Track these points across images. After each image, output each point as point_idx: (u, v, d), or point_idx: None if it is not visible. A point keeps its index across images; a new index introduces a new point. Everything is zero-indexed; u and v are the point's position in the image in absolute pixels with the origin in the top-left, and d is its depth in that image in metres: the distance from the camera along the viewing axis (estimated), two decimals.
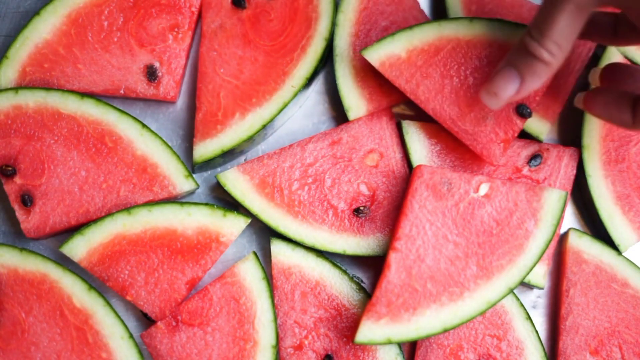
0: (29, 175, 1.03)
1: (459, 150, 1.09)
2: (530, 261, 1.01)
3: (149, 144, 1.04)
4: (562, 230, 1.12)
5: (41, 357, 1.00)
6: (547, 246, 1.02)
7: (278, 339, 1.02)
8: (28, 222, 1.03)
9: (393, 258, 1.00)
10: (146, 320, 1.06)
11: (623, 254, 1.09)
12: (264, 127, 1.06)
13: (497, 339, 1.05)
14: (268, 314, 1.03)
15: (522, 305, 1.06)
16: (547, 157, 1.10)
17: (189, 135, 1.11)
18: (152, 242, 1.02)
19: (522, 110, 1.04)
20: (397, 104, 1.11)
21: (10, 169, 1.03)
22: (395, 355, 1.02)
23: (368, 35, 1.10)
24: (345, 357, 1.02)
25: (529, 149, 1.10)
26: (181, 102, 1.12)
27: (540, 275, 1.06)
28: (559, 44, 0.88)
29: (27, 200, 1.02)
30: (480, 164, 1.08)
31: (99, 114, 1.04)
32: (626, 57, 1.13)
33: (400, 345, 1.03)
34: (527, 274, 1.01)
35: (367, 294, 1.05)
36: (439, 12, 1.17)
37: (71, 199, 1.03)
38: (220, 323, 1.02)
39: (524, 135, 1.11)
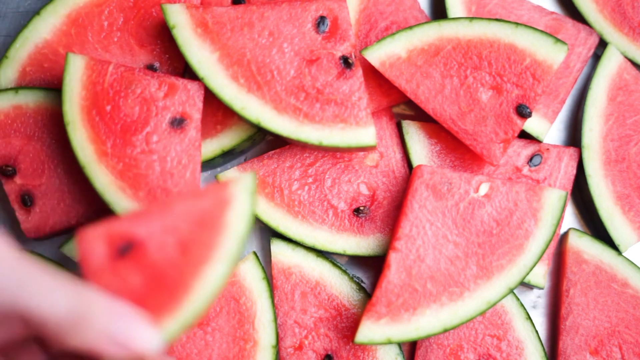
0: (29, 175, 1.03)
1: (459, 150, 1.09)
2: (530, 261, 1.01)
3: None
4: (562, 230, 1.12)
5: None
6: (547, 246, 1.02)
7: (278, 339, 1.02)
8: (28, 222, 1.03)
9: (393, 258, 1.00)
10: None
11: (623, 254, 1.09)
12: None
13: (497, 339, 1.05)
14: (268, 314, 1.03)
15: (522, 305, 1.06)
16: (547, 157, 1.10)
17: None
18: None
19: (522, 110, 1.04)
20: (397, 104, 1.11)
21: (10, 169, 1.03)
22: (395, 355, 1.02)
23: (368, 35, 1.10)
24: (345, 357, 1.02)
25: (529, 149, 1.10)
26: None
27: (540, 275, 1.06)
28: None
29: (27, 200, 1.02)
30: (480, 164, 1.08)
31: None
32: (627, 57, 1.14)
33: (400, 345, 1.03)
34: (527, 274, 1.01)
35: (367, 294, 1.05)
36: (439, 12, 1.17)
37: (71, 198, 1.03)
38: (220, 323, 1.02)
39: (524, 135, 1.11)
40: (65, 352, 0.75)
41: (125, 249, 0.80)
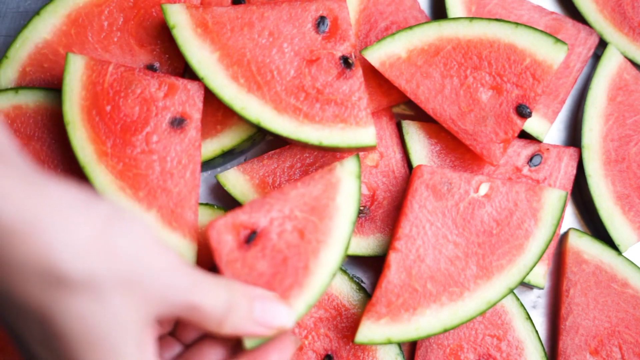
0: None
1: (459, 150, 1.09)
2: (530, 261, 1.01)
3: None
4: (562, 230, 1.12)
5: None
6: (547, 246, 1.02)
7: None
8: None
9: (393, 258, 1.00)
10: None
11: (623, 254, 1.09)
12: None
13: (497, 339, 1.05)
14: None
15: (522, 305, 1.06)
16: (547, 157, 1.10)
17: None
18: None
19: (522, 110, 1.04)
20: (397, 104, 1.11)
21: None
22: (395, 355, 1.02)
23: (368, 35, 1.10)
24: (345, 357, 1.02)
25: (529, 149, 1.10)
26: None
27: (540, 275, 1.06)
28: None
29: None
30: (480, 164, 1.08)
31: None
32: (627, 57, 1.14)
33: (400, 345, 1.03)
34: (527, 274, 1.01)
35: (367, 294, 1.05)
36: (439, 12, 1.17)
37: None
38: None
39: (524, 135, 1.11)
40: (197, 339, 0.86)
41: (251, 238, 0.90)
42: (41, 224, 0.64)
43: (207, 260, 1.02)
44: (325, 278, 0.92)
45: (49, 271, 0.64)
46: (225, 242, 0.90)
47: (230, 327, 0.80)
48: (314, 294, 0.91)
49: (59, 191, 0.67)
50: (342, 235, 0.94)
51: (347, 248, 0.94)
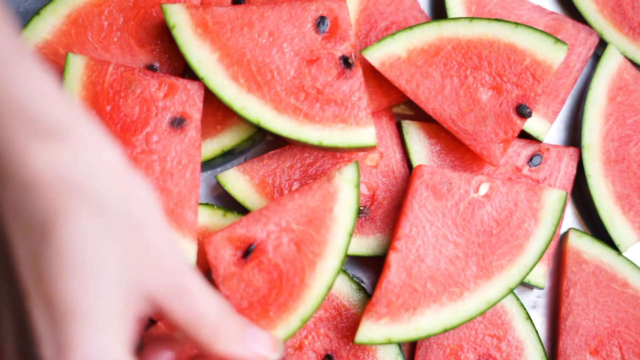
0: None
1: (459, 150, 1.09)
2: (530, 261, 1.01)
3: None
4: (562, 230, 1.12)
5: None
6: (547, 246, 1.02)
7: None
8: None
9: (393, 258, 1.00)
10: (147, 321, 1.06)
11: (623, 254, 1.09)
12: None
13: (497, 339, 1.05)
14: None
15: (522, 305, 1.06)
16: (547, 157, 1.10)
17: None
18: None
19: (522, 110, 1.04)
20: (397, 104, 1.11)
21: None
22: (395, 355, 1.02)
23: (368, 35, 1.10)
24: (345, 357, 1.02)
25: (529, 149, 1.10)
26: None
27: (540, 275, 1.06)
28: None
29: None
30: (480, 164, 1.08)
31: None
32: (627, 57, 1.14)
33: (400, 345, 1.03)
34: (527, 274, 1.01)
35: (367, 294, 1.05)
36: (439, 12, 1.17)
37: None
38: None
39: (524, 135, 1.11)
40: None
41: (248, 252, 0.91)
42: (72, 134, 0.65)
43: (205, 261, 1.02)
44: (321, 291, 0.92)
45: (67, 178, 0.64)
46: (222, 257, 0.91)
47: (223, 344, 0.75)
48: (309, 308, 0.92)
49: (90, 117, 0.68)
50: (339, 248, 0.94)
51: (343, 260, 0.94)
